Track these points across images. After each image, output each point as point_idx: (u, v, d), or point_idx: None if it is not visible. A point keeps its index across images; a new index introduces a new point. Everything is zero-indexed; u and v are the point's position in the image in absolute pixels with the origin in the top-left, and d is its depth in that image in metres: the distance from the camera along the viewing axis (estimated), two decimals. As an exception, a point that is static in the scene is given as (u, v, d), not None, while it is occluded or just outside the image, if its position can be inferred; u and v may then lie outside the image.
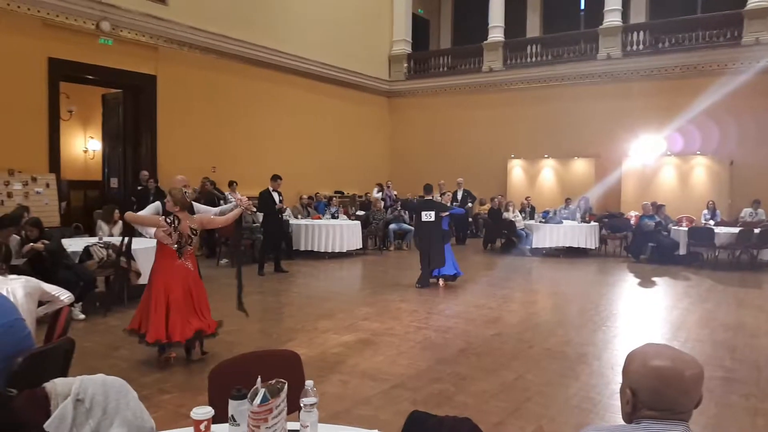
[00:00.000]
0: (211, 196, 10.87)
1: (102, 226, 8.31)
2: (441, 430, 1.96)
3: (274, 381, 1.66)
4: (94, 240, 7.40)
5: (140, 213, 5.14)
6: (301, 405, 1.72)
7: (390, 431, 3.12)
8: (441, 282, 8.73)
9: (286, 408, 1.68)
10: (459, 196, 14.22)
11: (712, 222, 11.87)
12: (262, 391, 1.60)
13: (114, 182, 12.34)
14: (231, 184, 12.04)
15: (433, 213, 8.65)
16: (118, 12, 11.12)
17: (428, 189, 9.05)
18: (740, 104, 13.48)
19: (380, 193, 15.31)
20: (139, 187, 10.73)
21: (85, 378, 1.94)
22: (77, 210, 12.34)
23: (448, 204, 9.44)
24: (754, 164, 13.55)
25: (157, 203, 5.29)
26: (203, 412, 1.62)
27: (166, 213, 4.86)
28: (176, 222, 4.71)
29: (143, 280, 7.16)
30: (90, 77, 11.40)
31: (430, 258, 8.57)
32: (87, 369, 3.30)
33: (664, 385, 1.31)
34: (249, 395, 1.61)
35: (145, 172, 10.93)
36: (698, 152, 14.27)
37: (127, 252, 7.00)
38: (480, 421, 3.44)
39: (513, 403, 4.06)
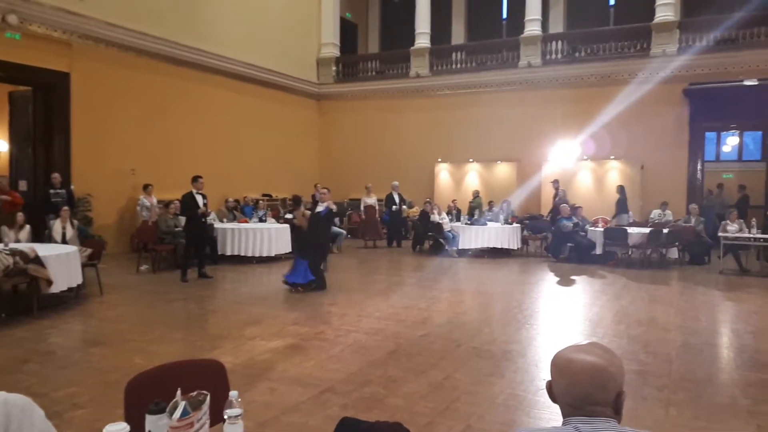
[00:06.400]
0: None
1: (6, 231, 7.75)
2: (371, 436, 1.93)
3: (195, 393, 1.58)
4: (-1, 247, 6.87)
5: None
6: (225, 417, 1.65)
7: (319, 438, 3.07)
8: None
9: (208, 421, 1.60)
10: (396, 199, 14.29)
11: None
12: (182, 404, 1.52)
13: (23, 185, 11.56)
14: (146, 187, 11.57)
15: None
16: (28, 5, 10.44)
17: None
18: (648, 111, 14.39)
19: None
20: (52, 191, 10.09)
21: (-17, 397, 1.78)
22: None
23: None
24: (662, 168, 14.48)
25: None
26: (117, 428, 1.51)
27: None
28: None
29: (55, 288, 6.76)
30: (-5, 73, 10.63)
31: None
32: (-11, 387, 3.05)
33: (558, 374, 1.37)
34: (168, 409, 1.52)
35: (57, 175, 10.30)
36: (612, 156, 15.07)
37: (36, 259, 6.60)
38: (410, 423, 3.46)
39: (442, 403, 4.10)
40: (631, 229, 11.58)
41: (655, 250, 11.61)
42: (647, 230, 11.45)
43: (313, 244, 8.59)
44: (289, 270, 8.64)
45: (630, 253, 11.86)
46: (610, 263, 11.48)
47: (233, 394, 1.69)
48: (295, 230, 8.81)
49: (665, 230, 11.42)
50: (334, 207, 8.93)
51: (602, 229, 11.83)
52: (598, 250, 11.70)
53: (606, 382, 1.34)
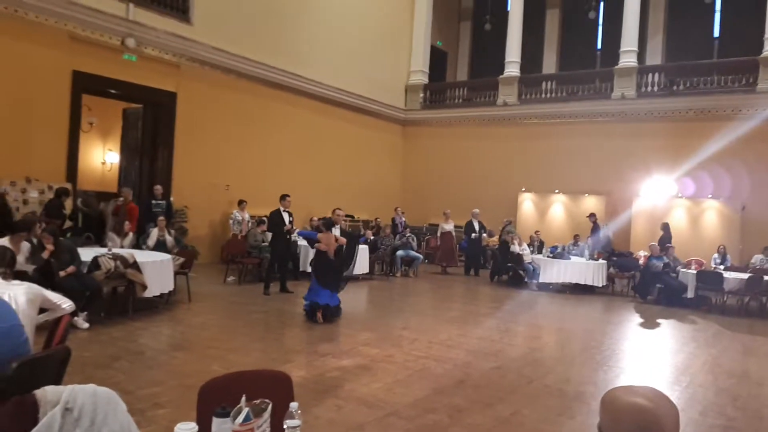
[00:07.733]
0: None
1: (113, 237, 8.42)
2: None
3: (258, 401, 1.69)
4: (103, 251, 7.48)
5: None
6: (284, 427, 1.74)
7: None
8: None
9: (269, 429, 1.70)
10: (476, 227, 14.17)
11: (722, 266, 11.76)
12: (245, 410, 1.63)
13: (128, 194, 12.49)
14: (240, 202, 12.16)
15: None
16: (144, 29, 11.41)
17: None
18: (753, 150, 13.47)
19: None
20: (153, 201, 10.84)
21: (75, 387, 1.98)
22: (90, 220, 12.49)
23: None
24: (765, 211, 13.46)
25: None
26: (187, 428, 1.65)
27: None
28: None
29: (149, 293, 7.26)
30: (112, 91, 11.66)
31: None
32: (84, 379, 3.34)
33: (603, 410, 1.36)
34: (232, 413, 1.64)
35: (159, 187, 11.07)
36: (710, 196, 14.22)
37: (134, 264, 7.11)
38: (470, 455, 3.42)
39: (506, 439, 4.02)
40: (727, 274, 10.83)
41: (755, 297, 10.78)
42: (746, 276, 10.67)
43: (337, 273, 7.91)
44: (310, 291, 7.86)
45: (725, 299, 11.08)
46: (702, 308, 10.77)
47: (293, 405, 1.79)
48: (319, 256, 7.90)
49: (767, 277, 10.59)
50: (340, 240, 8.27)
51: (695, 272, 11.14)
52: (690, 294, 11.00)
53: (649, 425, 1.31)
